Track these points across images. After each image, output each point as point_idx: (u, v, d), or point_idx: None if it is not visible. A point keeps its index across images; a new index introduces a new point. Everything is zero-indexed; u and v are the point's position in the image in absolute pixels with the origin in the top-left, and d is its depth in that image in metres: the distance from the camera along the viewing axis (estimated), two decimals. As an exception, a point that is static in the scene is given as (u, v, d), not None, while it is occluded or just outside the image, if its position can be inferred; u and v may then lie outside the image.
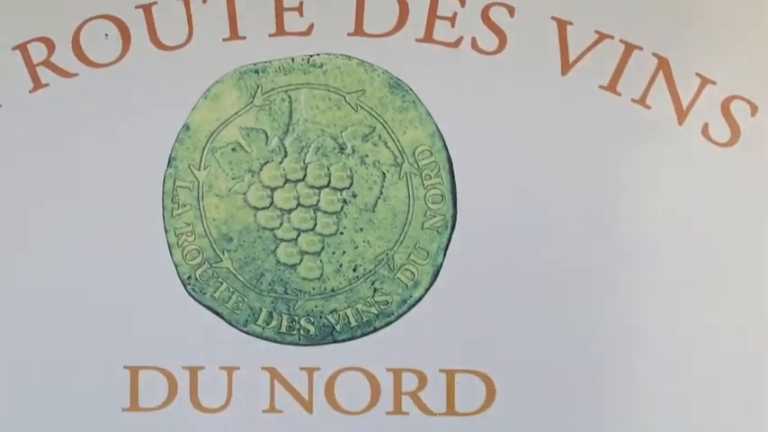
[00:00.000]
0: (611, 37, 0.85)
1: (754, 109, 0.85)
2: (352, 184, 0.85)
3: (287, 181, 0.85)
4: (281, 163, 0.85)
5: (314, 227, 0.85)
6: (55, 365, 0.86)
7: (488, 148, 0.84)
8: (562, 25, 0.85)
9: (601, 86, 0.84)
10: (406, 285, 0.85)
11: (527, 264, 0.85)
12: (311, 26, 0.85)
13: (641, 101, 0.85)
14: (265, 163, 0.85)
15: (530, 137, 0.84)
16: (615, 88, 0.84)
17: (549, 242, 0.84)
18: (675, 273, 0.84)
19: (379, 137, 0.85)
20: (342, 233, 0.85)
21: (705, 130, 0.85)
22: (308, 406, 0.86)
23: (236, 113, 0.85)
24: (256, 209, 0.85)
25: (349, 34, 0.85)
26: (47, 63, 0.86)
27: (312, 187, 0.85)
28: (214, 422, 0.86)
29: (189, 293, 0.86)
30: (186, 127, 0.85)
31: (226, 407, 0.86)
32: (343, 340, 0.86)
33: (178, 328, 0.86)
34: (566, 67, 0.84)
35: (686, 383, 0.84)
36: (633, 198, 0.85)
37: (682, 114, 0.85)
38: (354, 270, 0.85)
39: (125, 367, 0.86)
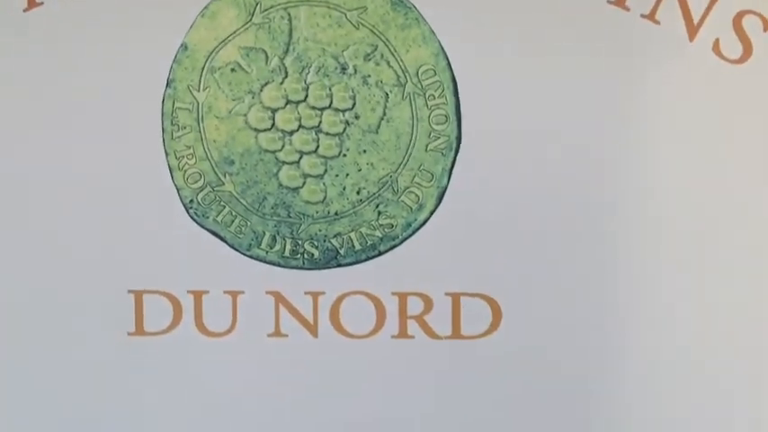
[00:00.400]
0: (620, -51, 0.82)
1: (766, 24, 0.83)
2: (354, 104, 0.83)
3: (288, 102, 0.83)
4: (281, 83, 0.83)
5: (316, 149, 0.84)
6: (59, 291, 0.86)
7: (493, 66, 0.82)
8: (569, -63, 0.82)
9: (609, 1, 0.82)
10: (411, 208, 0.84)
11: (533, 186, 0.83)
12: (311, -60, 0.83)
13: (651, 16, 0.82)
14: (266, 84, 0.83)
15: (536, 54, 0.82)
16: (624, 3, 0.82)
17: (555, 163, 0.83)
18: (683, 192, 0.83)
19: (382, 56, 0.83)
20: (345, 155, 0.84)
21: (716, 47, 0.83)
22: (313, 330, 0.86)
23: (235, 32, 0.83)
24: (257, 131, 0.84)
25: (349, -52, 0.83)
26: (40, -19, 0.84)
27: (314, 108, 0.83)
28: (219, 346, 0.86)
29: (191, 217, 0.85)
30: (184, 46, 0.83)
31: (231, 331, 0.86)
32: (348, 264, 0.85)
33: (181, 252, 0.85)
34: (573, -19, 0.82)
35: (705, 304, 0.84)
36: (642, 115, 0.83)
37: (692, 30, 0.82)
38: (358, 193, 0.84)
39: (129, 291, 0.86)
